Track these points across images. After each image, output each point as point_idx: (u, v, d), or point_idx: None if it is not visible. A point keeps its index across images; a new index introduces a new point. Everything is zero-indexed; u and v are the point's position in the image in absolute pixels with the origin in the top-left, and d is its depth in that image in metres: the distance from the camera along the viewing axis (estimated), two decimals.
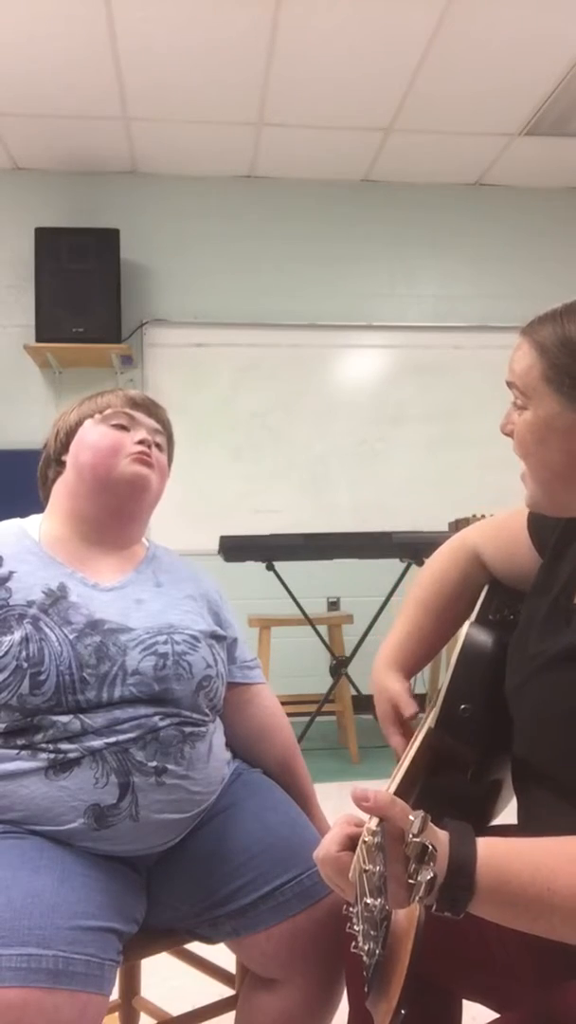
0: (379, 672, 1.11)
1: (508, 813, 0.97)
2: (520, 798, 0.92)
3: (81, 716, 1.01)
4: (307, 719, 3.32)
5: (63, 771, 0.99)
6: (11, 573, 1.09)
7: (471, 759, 0.92)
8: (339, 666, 3.43)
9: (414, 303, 4.39)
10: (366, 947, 0.60)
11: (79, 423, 1.24)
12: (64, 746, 1.00)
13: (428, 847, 0.62)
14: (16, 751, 1.00)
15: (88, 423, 1.22)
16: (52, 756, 1.00)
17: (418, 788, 0.90)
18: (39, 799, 0.99)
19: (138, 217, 4.20)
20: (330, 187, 4.37)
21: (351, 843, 0.70)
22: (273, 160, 4.17)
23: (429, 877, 0.60)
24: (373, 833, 0.63)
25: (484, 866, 0.66)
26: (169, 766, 1.04)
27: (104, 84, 3.49)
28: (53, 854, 0.97)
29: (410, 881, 0.60)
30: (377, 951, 0.58)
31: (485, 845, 0.67)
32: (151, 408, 1.27)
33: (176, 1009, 1.22)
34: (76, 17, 3.06)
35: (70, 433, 1.24)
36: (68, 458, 1.22)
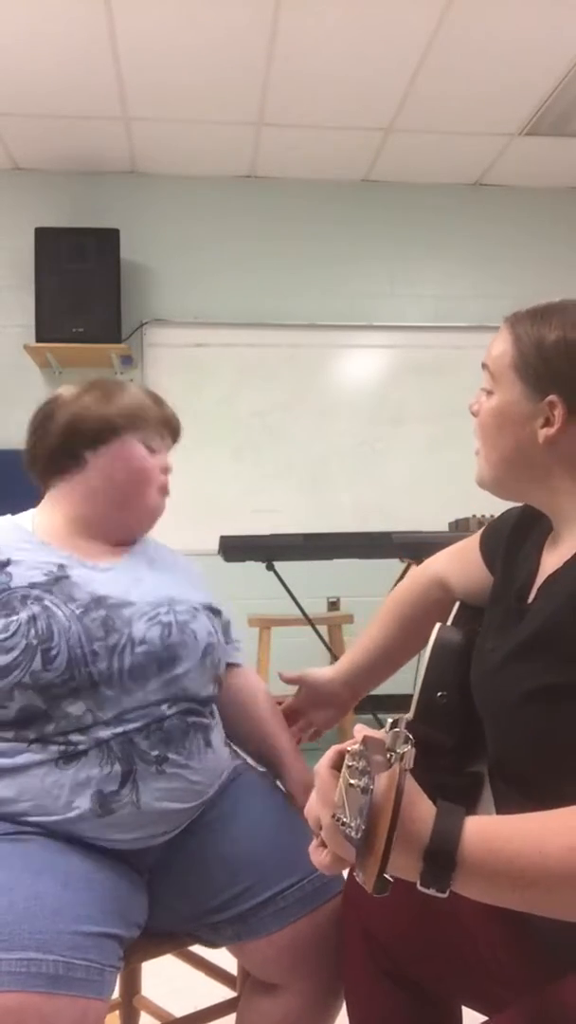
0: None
1: None
2: (496, 799, 0.94)
3: (92, 708, 1.02)
4: None
5: (71, 761, 1.01)
6: (8, 559, 1.09)
7: (450, 746, 0.95)
8: None
9: (414, 303, 4.39)
10: (352, 823, 0.65)
11: (112, 428, 1.18)
12: (74, 737, 1.01)
13: (405, 734, 0.67)
14: (27, 744, 1.01)
15: (130, 438, 1.19)
16: (63, 748, 1.01)
17: None
18: (48, 787, 1.00)
19: (138, 217, 4.19)
20: (330, 187, 4.36)
21: (340, 760, 0.75)
22: (273, 160, 4.17)
23: (407, 749, 0.65)
24: (356, 747, 0.69)
25: (471, 835, 0.66)
26: (170, 755, 1.05)
27: (104, 84, 3.49)
28: (56, 858, 0.97)
29: (390, 759, 0.65)
30: (363, 825, 0.63)
31: (472, 819, 0.68)
32: (177, 430, 1.27)
33: (177, 1009, 1.22)
34: (76, 17, 3.06)
35: (100, 431, 1.18)
36: (94, 462, 1.18)
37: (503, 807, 0.91)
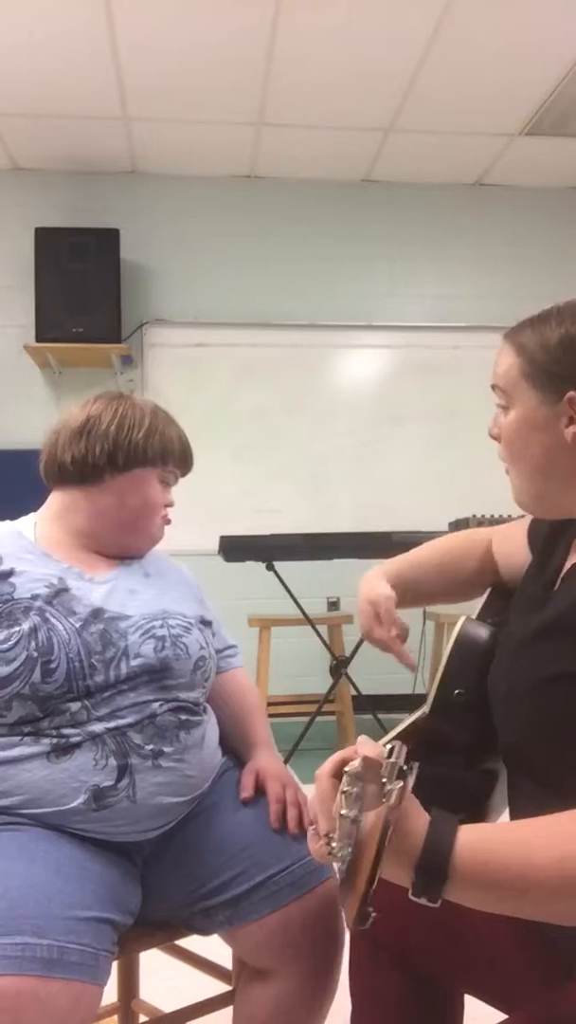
0: (369, 579, 1.15)
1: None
2: (509, 791, 0.94)
3: (87, 704, 1.05)
4: (307, 719, 3.32)
5: (64, 754, 1.03)
6: (12, 569, 1.11)
7: (464, 743, 0.95)
8: (339, 666, 3.43)
9: (414, 303, 4.39)
10: (340, 853, 0.65)
11: (142, 459, 1.21)
12: (67, 731, 1.04)
13: (403, 767, 0.65)
14: (20, 737, 1.03)
15: (151, 471, 1.23)
16: (55, 741, 1.03)
17: None
18: (40, 781, 1.02)
19: (138, 217, 4.20)
20: (330, 187, 4.37)
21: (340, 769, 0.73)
22: (273, 160, 4.17)
23: (400, 787, 0.64)
24: (355, 766, 0.67)
25: (463, 846, 0.66)
26: (165, 748, 1.08)
27: (104, 84, 3.49)
28: (50, 845, 0.99)
29: (384, 800, 0.64)
30: (349, 856, 0.64)
31: (465, 828, 0.68)
32: (189, 470, 1.32)
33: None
34: (76, 17, 3.07)
35: (130, 460, 1.21)
36: (112, 483, 1.20)
37: (518, 800, 0.92)
